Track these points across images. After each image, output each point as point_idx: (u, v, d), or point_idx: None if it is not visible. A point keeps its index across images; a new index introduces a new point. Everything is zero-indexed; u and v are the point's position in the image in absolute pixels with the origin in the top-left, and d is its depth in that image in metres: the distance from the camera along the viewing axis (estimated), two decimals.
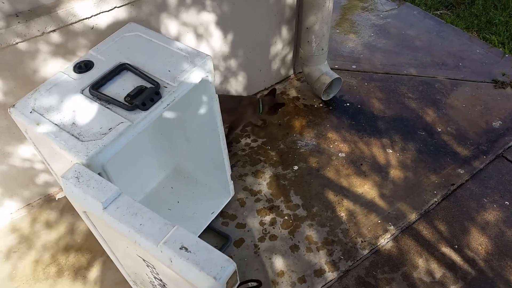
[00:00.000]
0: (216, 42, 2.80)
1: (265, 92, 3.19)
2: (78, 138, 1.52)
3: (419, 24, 4.15)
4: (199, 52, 1.82)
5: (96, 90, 1.68)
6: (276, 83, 3.48)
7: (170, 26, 2.51)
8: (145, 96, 1.63)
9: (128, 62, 1.80)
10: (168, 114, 2.28)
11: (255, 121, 3.07)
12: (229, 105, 2.78)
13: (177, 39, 2.59)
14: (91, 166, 1.46)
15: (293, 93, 3.42)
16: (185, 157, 2.62)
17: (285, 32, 3.17)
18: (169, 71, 1.76)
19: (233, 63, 3.01)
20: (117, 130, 1.55)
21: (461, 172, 2.84)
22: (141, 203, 2.59)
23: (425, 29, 4.08)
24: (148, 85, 1.70)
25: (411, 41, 3.92)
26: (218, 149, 2.24)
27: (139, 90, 1.67)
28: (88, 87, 1.70)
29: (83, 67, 1.79)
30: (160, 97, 1.66)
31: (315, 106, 3.31)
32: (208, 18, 2.63)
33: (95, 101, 1.66)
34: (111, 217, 1.33)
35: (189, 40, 2.63)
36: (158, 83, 1.70)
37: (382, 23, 4.14)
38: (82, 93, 1.69)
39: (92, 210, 1.37)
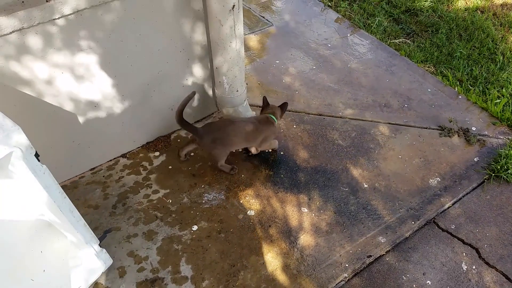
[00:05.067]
0: (104, 82, 2.44)
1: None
2: None
3: (369, 56, 3.78)
4: (3, 122, 1.46)
5: None
6: (195, 122, 3.13)
7: (36, 68, 2.15)
8: None
9: None
10: None
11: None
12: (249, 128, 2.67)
13: (47, 82, 2.23)
14: None
15: None
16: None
17: (197, 69, 2.81)
18: None
19: (132, 103, 2.65)
20: None
21: (382, 241, 2.47)
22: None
23: (374, 62, 3.71)
24: None
25: (355, 76, 3.55)
26: (69, 227, 1.88)
27: None
28: None
29: None
30: None
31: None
32: (87, 58, 2.28)
33: None
34: None
35: (64, 82, 2.28)
36: None
37: (327, 54, 3.77)
38: None
39: None
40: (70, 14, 2.08)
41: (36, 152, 1.61)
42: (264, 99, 2.81)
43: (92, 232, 2.06)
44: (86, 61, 2.29)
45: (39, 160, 1.64)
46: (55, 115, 2.38)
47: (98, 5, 2.15)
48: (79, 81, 2.34)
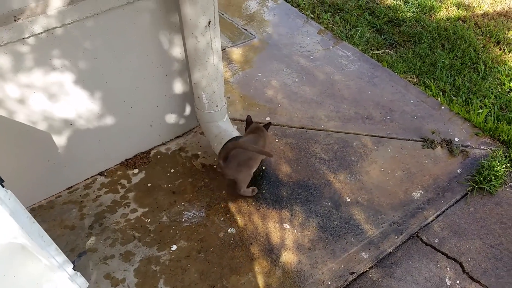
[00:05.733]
0: (79, 100, 2.39)
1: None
2: None
3: (351, 67, 3.77)
4: None
5: None
6: (176, 137, 3.08)
7: (6, 88, 2.10)
8: None
9: None
10: None
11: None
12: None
13: (19, 101, 2.17)
14: None
15: (193, 149, 3.01)
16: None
17: (176, 85, 2.77)
18: None
19: (109, 121, 2.60)
20: None
21: (365, 257, 2.43)
22: None
23: (356, 74, 3.70)
24: None
25: (337, 88, 3.54)
26: (40, 251, 1.82)
27: None
28: None
29: None
30: None
31: (215, 166, 2.90)
32: (61, 76, 2.23)
33: None
34: None
35: (37, 101, 2.23)
36: None
37: (310, 66, 3.75)
38: None
39: None
40: (41, 32, 2.04)
41: (0, 177, 1.55)
42: (248, 118, 2.77)
43: (65, 256, 2.00)
44: (60, 79, 2.25)
45: (3, 186, 1.58)
46: (28, 134, 2.33)
47: (70, 23, 2.11)
48: (52, 100, 2.29)
